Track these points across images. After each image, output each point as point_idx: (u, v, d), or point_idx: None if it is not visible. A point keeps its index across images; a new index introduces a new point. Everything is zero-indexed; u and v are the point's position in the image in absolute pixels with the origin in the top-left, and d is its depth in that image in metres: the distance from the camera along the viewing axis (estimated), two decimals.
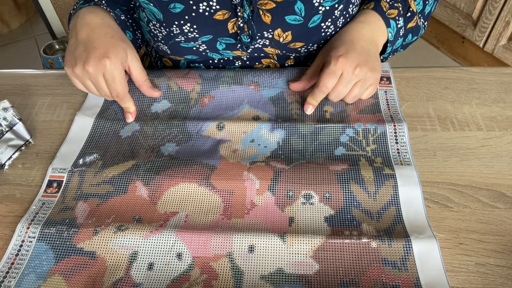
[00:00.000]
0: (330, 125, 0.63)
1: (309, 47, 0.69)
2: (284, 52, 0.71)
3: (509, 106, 0.66)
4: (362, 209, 0.54)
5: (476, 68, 0.73)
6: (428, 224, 0.52)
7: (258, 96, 0.68)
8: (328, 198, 0.55)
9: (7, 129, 0.62)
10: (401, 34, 0.69)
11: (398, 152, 0.60)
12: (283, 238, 0.51)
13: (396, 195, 0.55)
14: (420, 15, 0.70)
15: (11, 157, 0.63)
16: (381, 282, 0.48)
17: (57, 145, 0.65)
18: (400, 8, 0.67)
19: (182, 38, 0.68)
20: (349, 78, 0.60)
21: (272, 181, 0.57)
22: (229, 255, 0.50)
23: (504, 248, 0.50)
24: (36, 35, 2.37)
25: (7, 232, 0.55)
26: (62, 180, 0.59)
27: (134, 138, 0.64)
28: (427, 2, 0.70)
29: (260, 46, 0.69)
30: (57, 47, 2.19)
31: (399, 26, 0.67)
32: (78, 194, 0.57)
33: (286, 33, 0.66)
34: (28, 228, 0.54)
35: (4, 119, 0.62)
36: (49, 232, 0.53)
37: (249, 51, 0.70)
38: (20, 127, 0.64)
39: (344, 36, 0.65)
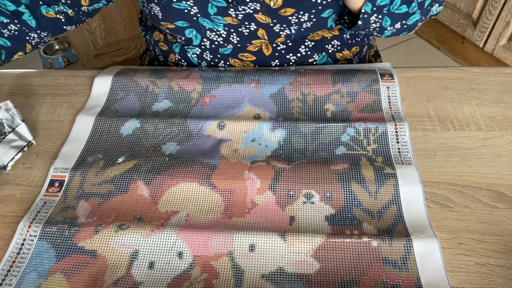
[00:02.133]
0: (331, 124, 0.63)
1: (299, 15, 0.68)
2: (274, 21, 0.69)
3: (509, 106, 0.66)
4: (363, 208, 0.54)
5: (476, 68, 0.73)
6: (429, 223, 0.52)
7: (259, 93, 0.68)
8: (329, 198, 0.55)
9: (9, 130, 0.62)
10: None
11: (399, 152, 0.60)
12: (284, 237, 0.51)
13: (397, 194, 0.55)
14: None
15: (13, 158, 0.63)
16: (381, 281, 0.48)
17: (57, 145, 0.65)
18: None
19: None
20: None
21: (273, 180, 0.57)
22: (230, 254, 0.50)
23: (504, 248, 0.50)
24: None
25: (7, 232, 0.55)
26: (64, 180, 0.59)
27: (135, 137, 0.64)
28: None
29: (251, 11, 0.68)
30: (57, 47, 2.19)
31: None
32: (79, 194, 0.58)
33: None
34: (29, 226, 0.54)
35: (7, 120, 0.62)
36: (50, 231, 0.53)
37: (240, 17, 0.69)
38: (22, 128, 0.64)
39: None
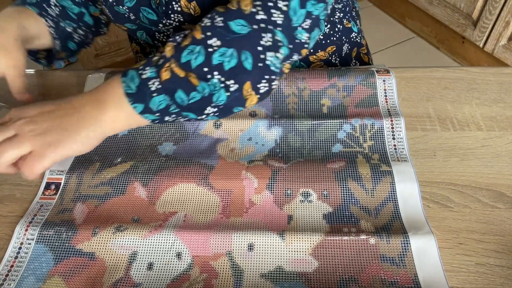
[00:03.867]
0: (327, 121, 0.63)
1: None
2: None
3: (509, 106, 0.66)
4: (360, 206, 0.54)
5: (476, 68, 0.73)
6: (426, 220, 0.52)
7: None
8: (326, 196, 0.55)
9: None
10: (154, 88, 0.51)
11: (395, 148, 0.60)
12: (282, 236, 0.51)
13: (393, 191, 0.55)
14: (177, 62, 0.51)
15: None
16: (379, 278, 0.48)
17: None
18: (156, 57, 0.52)
19: None
20: (7, 126, 0.52)
21: (270, 179, 0.57)
22: (229, 253, 0.50)
23: (504, 248, 0.50)
24: None
25: (7, 232, 0.55)
26: (60, 182, 0.59)
27: (131, 137, 0.64)
28: (188, 49, 0.51)
29: (177, 24, 0.64)
30: None
31: (144, 76, 0.51)
32: (76, 196, 0.57)
33: (192, 3, 0.59)
34: (26, 230, 0.53)
35: None
36: (48, 234, 0.53)
37: (171, 29, 0.66)
38: None
39: None
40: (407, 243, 0.49)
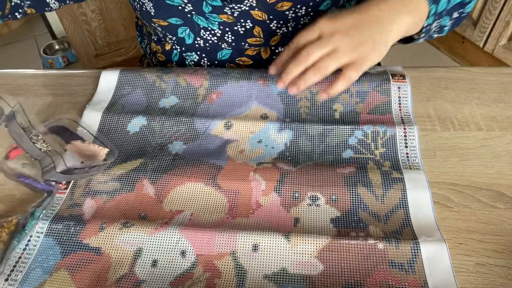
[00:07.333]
0: (339, 126, 0.63)
1: (296, 10, 0.66)
2: (271, 17, 0.67)
3: (509, 106, 0.66)
4: (369, 212, 0.53)
5: (476, 68, 0.73)
6: (438, 227, 0.51)
7: (267, 91, 0.67)
8: (335, 200, 0.55)
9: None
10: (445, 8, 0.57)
11: (407, 157, 0.59)
12: (288, 238, 0.51)
13: (404, 198, 0.54)
14: None
15: None
16: (387, 284, 0.47)
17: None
18: None
19: None
20: (325, 41, 0.54)
21: (278, 182, 0.56)
22: (233, 253, 0.50)
23: (504, 248, 0.50)
24: (36, 35, 2.37)
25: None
26: None
27: (141, 135, 0.64)
28: None
29: (246, 8, 0.66)
30: (57, 47, 2.19)
31: None
32: (86, 191, 0.58)
33: None
34: (36, 223, 0.54)
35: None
36: (56, 228, 0.53)
37: (236, 14, 0.67)
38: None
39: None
40: (417, 249, 0.49)
